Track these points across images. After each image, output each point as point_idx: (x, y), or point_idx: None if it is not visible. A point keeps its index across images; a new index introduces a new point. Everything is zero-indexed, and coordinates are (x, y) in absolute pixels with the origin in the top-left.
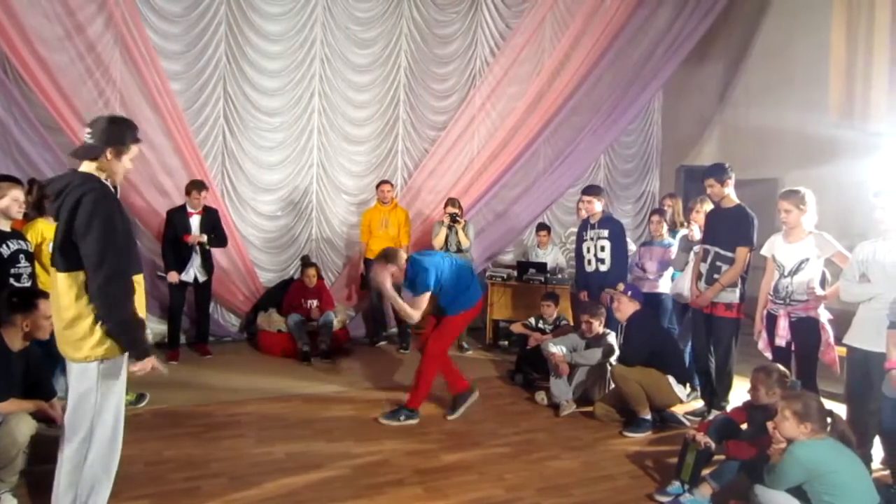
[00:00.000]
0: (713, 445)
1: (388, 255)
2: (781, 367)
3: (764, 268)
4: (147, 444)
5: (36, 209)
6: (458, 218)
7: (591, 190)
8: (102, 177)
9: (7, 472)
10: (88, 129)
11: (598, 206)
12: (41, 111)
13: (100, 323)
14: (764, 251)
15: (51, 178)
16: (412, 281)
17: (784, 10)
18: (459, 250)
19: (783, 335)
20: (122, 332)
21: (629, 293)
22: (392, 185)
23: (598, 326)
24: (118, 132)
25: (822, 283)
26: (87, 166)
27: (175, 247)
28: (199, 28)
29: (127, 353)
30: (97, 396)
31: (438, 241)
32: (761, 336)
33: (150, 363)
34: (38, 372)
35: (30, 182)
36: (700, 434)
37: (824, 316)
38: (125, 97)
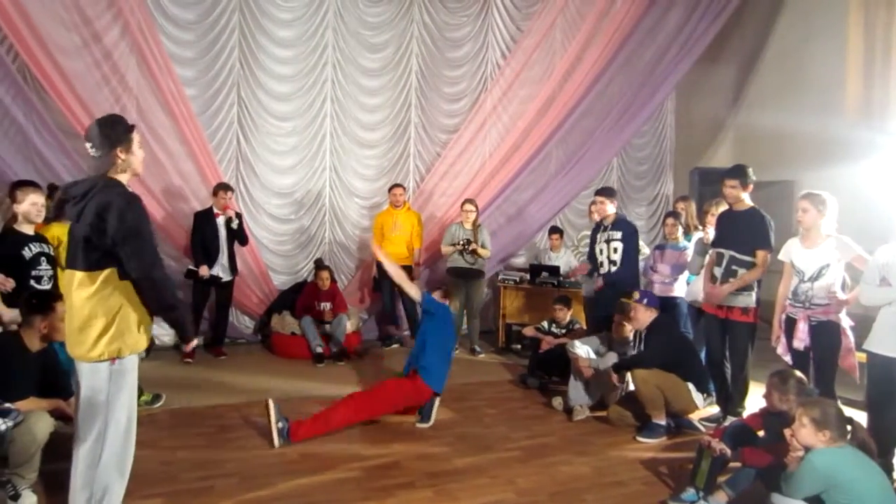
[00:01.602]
0: (728, 452)
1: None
2: (798, 373)
3: (779, 271)
4: (162, 443)
5: (56, 213)
6: (472, 243)
7: (604, 191)
8: (123, 179)
9: (26, 468)
10: (88, 143)
11: (610, 207)
12: (60, 118)
13: (115, 323)
14: (781, 256)
15: (73, 181)
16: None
17: (798, 10)
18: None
19: (802, 338)
20: (170, 316)
21: (644, 301)
22: (404, 189)
23: (629, 330)
24: (114, 131)
25: (843, 288)
26: (109, 173)
27: (203, 246)
28: (213, 35)
29: (136, 353)
30: (108, 396)
31: (446, 249)
32: (780, 340)
33: (194, 342)
34: (55, 372)
35: (49, 187)
36: (715, 440)
37: (846, 321)
38: (141, 103)
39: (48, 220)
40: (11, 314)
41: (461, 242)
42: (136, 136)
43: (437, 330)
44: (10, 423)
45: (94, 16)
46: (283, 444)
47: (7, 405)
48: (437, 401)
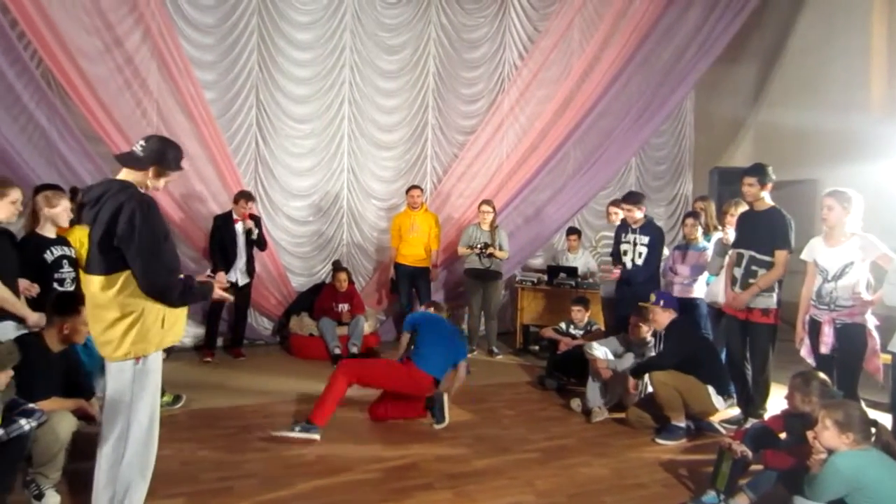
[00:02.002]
0: (749, 454)
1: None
2: (821, 375)
3: (801, 272)
4: (183, 443)
5: (78, 216)
6: (489, 246)
7: (631, 198)
8: (139, 185)
9: (50, 468)
10: (143, 143)
11: (638, 214)
12: (82, 122)
13: (139, 322)
14: (804, 255)
15: (89, 185)
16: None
17: (820, 7)
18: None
19: (828, 342)
20: (188, 301)
21: (661, 302)
22: (421, 190)
23: (645, 331)
24: (167, 156)
25: (867, 288)
26: (125, 173)
27: (222, 250)
28: (232, 38)
29: (160, 353)
30: (131, 395)
31: (463, 251)
32: (804, 343)
33: (217, 291)
34: (77, 372)
35: (72, 190)
36: (736, 443)
37: (871, 322)
38: (161, 107)
39: (70, 224)
40: (36, 317)
41: (479, 246)
42: (173, 175)
43: (429, 329)
44: (34, 423)
45: (115, 21)
46: (318, 432)
47: (30, 405)
48: (447, 398)
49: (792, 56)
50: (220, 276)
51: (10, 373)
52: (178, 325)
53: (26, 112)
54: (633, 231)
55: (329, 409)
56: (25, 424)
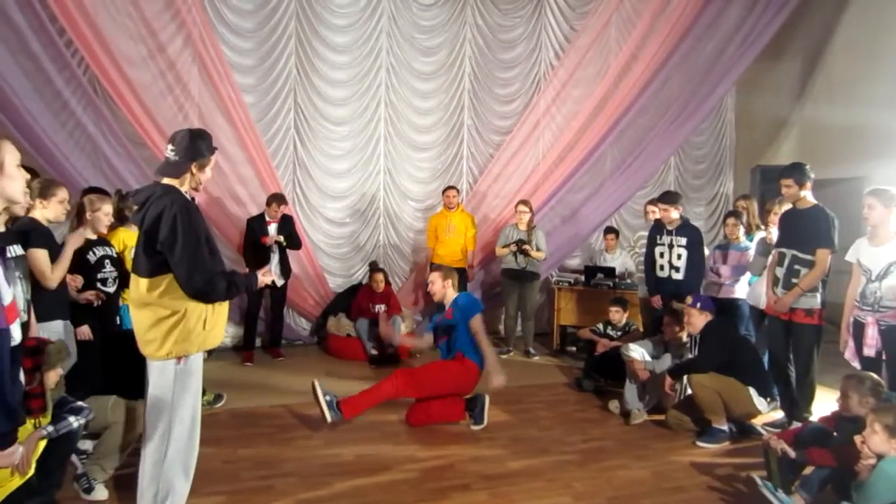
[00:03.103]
0: (791, 452)
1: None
2: (875, 376)
3: (848, 272)
4: (224, 442)
5: (117, 218)
6: (525, 244)
7: (667, 198)
8: (183, 188)
9: (109, 460)
10: (171, 146)
11: (674, 214)
12: (127, 127)
13: (181, 323)
14: (848, 256)
15: (136, 189)
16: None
17: (865, 2)
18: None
19: (872, 344)
20: (232, 294)
21: (698, 305)
22: (457, 191)
23: (679, 332)
24: (199, 147)
25: None
26: (169, 179)
27: (255, 252)
28: (271, 42)
29: (201, 354)
30: (173, 395)
31: (501, 251)
32: (848, 345)
33: (264, 280)
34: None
35: (117, 193)
36: (774, 439)
37: None
38: (202, 111)
39: (113, 227)
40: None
41: (514, 243)
42: (212, 159)
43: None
44: (82, 420)
45: (159, 28)
46: (336, 417)
47: (79, 403)
48: (487, 400)
49: (836, 52)
50: (266, 269)
51: (60, 371)
52: (219, 328)
53: (74, 117)
54: (669, 233)
55: (362, 407)
56: (74, 422)
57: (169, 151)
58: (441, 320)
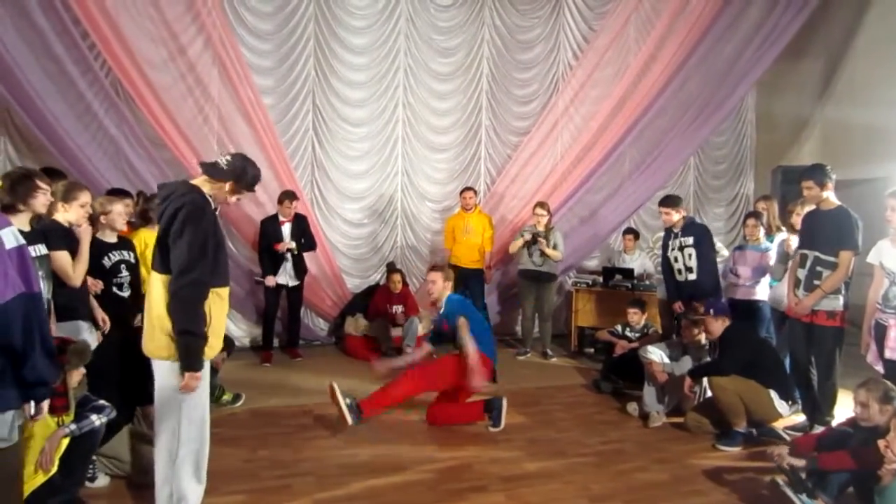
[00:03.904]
0: (799, 463)
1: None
2: (888, 383)
3: (869, 274)
4: (243, 442)
5: (141, 218)
6: (540, 237)
7: (667, 202)
8: (206, 190)
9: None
10: (228, 157)
11: (676, 216)
12: (147, 128)
13: None
14: (870, 258)
15: (161, 183)
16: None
17: (889, 1)
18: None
19: (894, 346)
20: (180, 335)
21: (712, 311)
22: (475, 192)
23: (697, 333)
24: (247, 175)
25: None
26: (201, 180)
27: (270, 253)
28: (289, 44)
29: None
30: (181, 395)
31: (514, 245)
32: (870, 348)
33: (194, 382)
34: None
35: (138, 194)
36: (777, 455)
37: None
38: (222, 113)
39: (133, 225)
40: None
41: (527, 234)
42: (246, 194)
43: (472, 312)
44: (104, 419)
45: (179, 30)
46: (357, 421)
47: (101, 401)
48: (505, 403)
49: (859, 52)
50: (269, 279)
51: (83, 371)
52: (217, 339)
53: (97, 120)
54: (676, 235)
55: (382, 406)
56: (96, 420)
57: (222, 159)
58: (437, 323)
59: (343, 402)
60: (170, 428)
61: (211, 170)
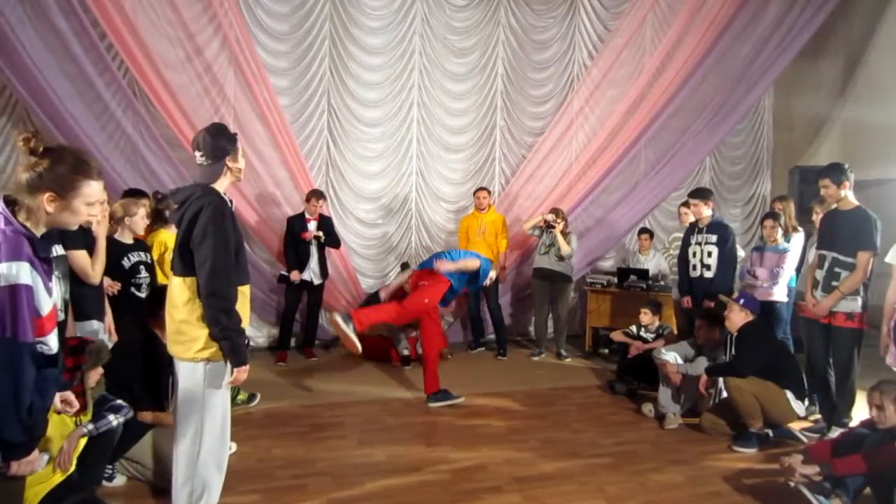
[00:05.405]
0: (812, 470)
1: None
2: None
3: (888, 275)
4: (258, 441)
5: (156, 218)
6: (553, 224)
7: (699, 193)
8: (222, 187)
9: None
10: (199, 153)
11: (706, 210)
12: (164, 128)
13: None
14: (889, 258)
15: (176, 188)
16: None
17: None
18: (560, 258)
19: None
20: (225, 338)
21: (741, 301)
22: (489, 192)
23: (711, 334)
24: (224, 142)
25: None
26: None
27: (295, 249)
28: (305, 45)
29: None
30: (203, 393)
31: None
32: (889, 350)
33: (244, 374)
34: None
35: (155, 194)
36: (787, 467)
37: None
38: (238, 113)
39: (153, 228)
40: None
41: (543, 222)
42: (239, 146)
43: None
44: (121, 419)
45: (196, 31)
46: (349, 325)
47: (118, 401)
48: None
49: (878, 52)
50: (295, 274)
51: (101, 370)
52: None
53: (114, 120)
54: (700, 231)
55: (372, 320)
56: (113, 420)
57: (199, 158)
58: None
59: (342, 325)
60: (193, 428)
61: (207, 176)
